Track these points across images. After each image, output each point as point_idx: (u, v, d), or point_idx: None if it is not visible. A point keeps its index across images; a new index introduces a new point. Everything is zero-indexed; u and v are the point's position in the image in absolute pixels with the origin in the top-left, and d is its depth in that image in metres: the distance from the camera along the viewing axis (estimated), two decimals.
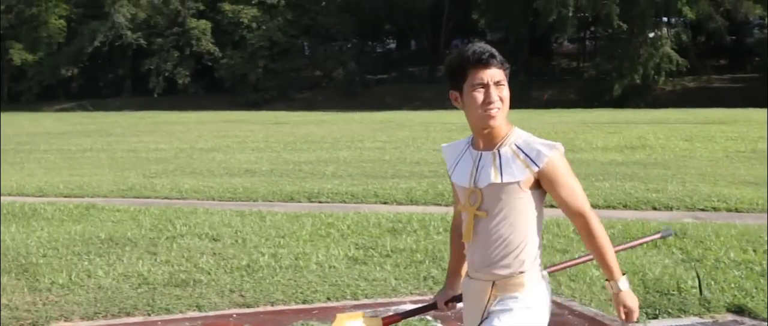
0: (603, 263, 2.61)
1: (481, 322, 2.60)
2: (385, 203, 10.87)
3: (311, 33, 56.71)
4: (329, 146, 20.44)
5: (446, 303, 2.87)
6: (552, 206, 8.37)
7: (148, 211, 9.90)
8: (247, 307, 5.73)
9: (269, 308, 5.74)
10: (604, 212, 9.58)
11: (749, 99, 37.65)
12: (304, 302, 5.84)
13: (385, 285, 6.16)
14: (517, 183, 2.52)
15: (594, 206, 9.49)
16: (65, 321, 5.48)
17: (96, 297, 5.92)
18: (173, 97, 56.47)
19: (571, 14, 43.12)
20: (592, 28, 52.67)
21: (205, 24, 56.27)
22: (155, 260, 7.06)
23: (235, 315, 5.54)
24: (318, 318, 5.42)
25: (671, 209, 9.79)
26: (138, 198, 11.71)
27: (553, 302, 5.64)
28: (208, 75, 58.23)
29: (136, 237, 8.15)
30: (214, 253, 7.34)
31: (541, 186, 2.57)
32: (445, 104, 55.10)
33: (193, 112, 46.23)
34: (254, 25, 54.99)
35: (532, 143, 2.55)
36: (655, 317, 5.40)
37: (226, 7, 55.49)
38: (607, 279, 2.64)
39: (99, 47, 56.60)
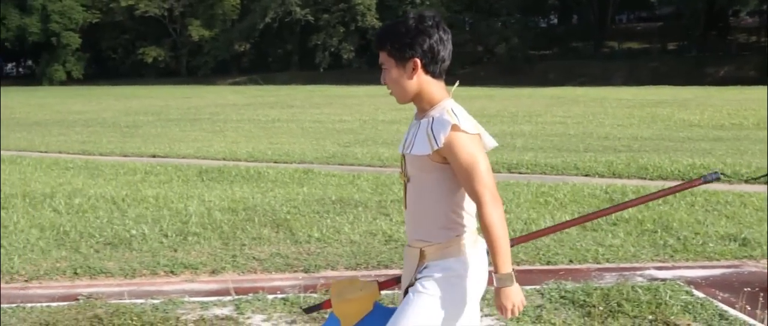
0: (492, 254, 2.45)
1: (408, 287, 2.60)
2: (586, 175, 10.90)
3: (474, 8, 56.66)
4: (509, 120, 20.56)
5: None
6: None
7: (362, 177, 10.46)
8: None
9: (516, 267, 6.02)
10: None
11: None
12: (548, 263, 6.09)
13: (624, 251, 6.31)
14: (423, 156, 2.47)
15: None
16: (332, 270, 6.01)
17: (352, 251, 6.43)
18: (338, 72, 58.18)
19: None
20: None
21: (370, 0, 57.47)
22: (391, 220, 7.52)
23: None
24: (565, 278, 5.64)
25: None
26: (342, 164, 12.33)
27: None
28: (371, 50, 59.47)
29: (362, 199, 8.68)
30: None
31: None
32: (611, 80, 53.07)
33: (357, 86, 47.40)
34: (418, 0, 55.55)
35: (440, 120, 2.45)
36: None
37: None
38: (494, 271, 2.48)
39: (270, 23, 59.18)
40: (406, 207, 2.62)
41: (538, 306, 5.03)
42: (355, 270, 6.01)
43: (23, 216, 7.78)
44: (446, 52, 2.54)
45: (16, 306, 5.18)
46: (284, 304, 5.21)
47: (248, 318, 4.98)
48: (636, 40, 59.43)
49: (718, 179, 2.88)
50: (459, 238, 2.55)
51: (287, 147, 14.98)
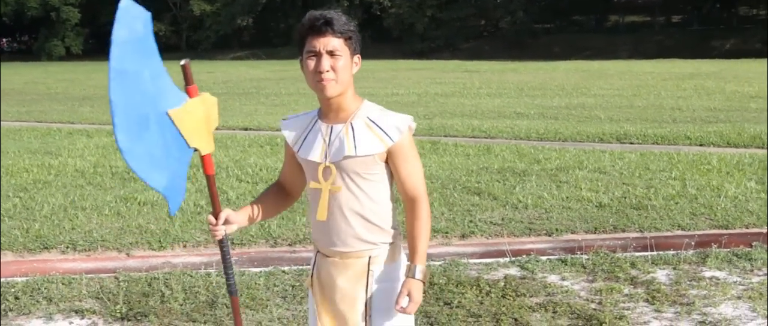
0: (416, 245, 2.52)
1: (369, 301, 2.55)
2: (701, 145, 11.21)
3: None
4: (561, 92, 20.85)
5: (217, 219, 2.56)
6: None
7: (494, 148, 10.70)
8: (725, 228, 6.36)
9: (742, 230, 6.35)
10: None
11: None
12: (746, 226, 6.42)
13: None
14: (373, 156, 2.45)
15: None
16: (572, 233, 6.30)
17: (576, 215, 6.72)
18: None
19: None
20: None
21: None
22: (580, 188, 7.79)
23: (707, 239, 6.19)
24: None
25: None
26: (447, 136, 12.50)
27: None
28: (375, 24, 59.39)
29: (523, 169, 8.96)
30: (624, 184, 8.03)
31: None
32: (617, 54, 53.07)
33: (365, 60, 47.30)
34: None
35: (387, 117, 2.48)
36: None
37: None
38: (410, 261, 2.54)
39: None
40: (327, 218, 2.51)
41: None
42: (595, 233, 6.31)
43: (231, 187, 8.01)
44: None
45: None
46: (564, 264, 5.50)
47: (545, 276, 5.27)
48: (637, 13, 59.89)
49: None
50: (397, 239, 2.60)
51: None
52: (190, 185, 8.00)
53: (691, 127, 12.71)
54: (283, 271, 5.39)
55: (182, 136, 2.41)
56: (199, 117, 2.46)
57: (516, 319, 4.43)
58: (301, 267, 5.51)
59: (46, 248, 5.90)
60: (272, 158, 10.03)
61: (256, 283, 5.07)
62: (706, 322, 4.39)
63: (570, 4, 62.57)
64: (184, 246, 6.01)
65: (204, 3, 61.68)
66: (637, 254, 5.72)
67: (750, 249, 5.75)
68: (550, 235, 6.26)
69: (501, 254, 5.75)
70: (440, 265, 5.47)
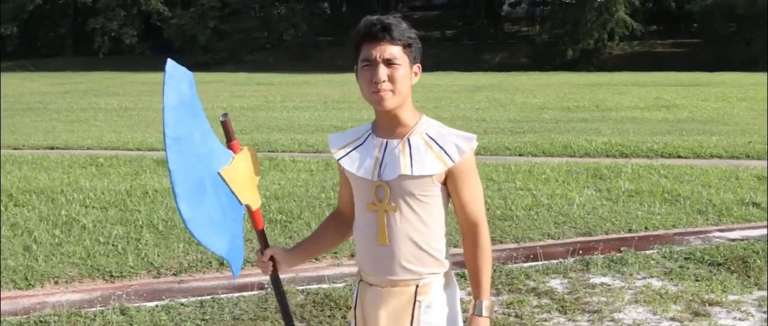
0: (480, 278, 2.35)
1: None
2: (520, 155, 11.89)
3: None
4: (367, 105, 21.22)
5: (270, 257, 2.49)
6: None
7: (332, 163, 10.68)
8: (588, 235, 6.80)
9: (604, 236, 6.83)
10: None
11: (691, 63, 40.33)
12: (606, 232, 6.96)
13: (673, 219, 7.32)
14: (431, 177, 2.25)
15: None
16: (453, 247, 6.42)
17: (455, 228, 6.84)
18: (118, 58, 55.37)
19: None
20: None
21: None
22: (506, 201, 7.96)
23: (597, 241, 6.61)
24: (651, 245, 6.54)
25: None
26: (281, 152, 12.28)
27: None
28: (156, 35, 57.27)
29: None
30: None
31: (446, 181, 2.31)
32: None
33: (146, 72, 45.58)
34: None
35: (447, 135, 2.29)
36: None
37: None
38: (474, 297, 2.38)
39: (41, 5, 54.92)
40: (385, 242, 2.29)
41: (682, 267, 5.81)
42: (557, 238, 6.50)
43: (81, 213, 7.27)
44: None
45: (210, 298, 5.11)
46: (464, 279, 5.59)
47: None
48: (414, 28, 62.54)
49: None
50: (446, 266, 2.40)
51: None
52: (36, 214, 7.22)
53: (504, 138, 13.47)
54: (182, 304, 5.01)
55: (234, 194, 2.34)
56: (247, 172, 2.41)
57: None
58: (198, 298, 5.16)
59: None
60: (104, 180, 9.32)
61: (160, 319, 4.68)
62: None
63: (349, 18, 64.21)
64: (56, 283, 5.41)
65: None
66: (526, 265, 5.94)
67: (621, 254, 6.17)
68: (517, 242, 6.39)
69: None
70: (343, 287, 5.37)
